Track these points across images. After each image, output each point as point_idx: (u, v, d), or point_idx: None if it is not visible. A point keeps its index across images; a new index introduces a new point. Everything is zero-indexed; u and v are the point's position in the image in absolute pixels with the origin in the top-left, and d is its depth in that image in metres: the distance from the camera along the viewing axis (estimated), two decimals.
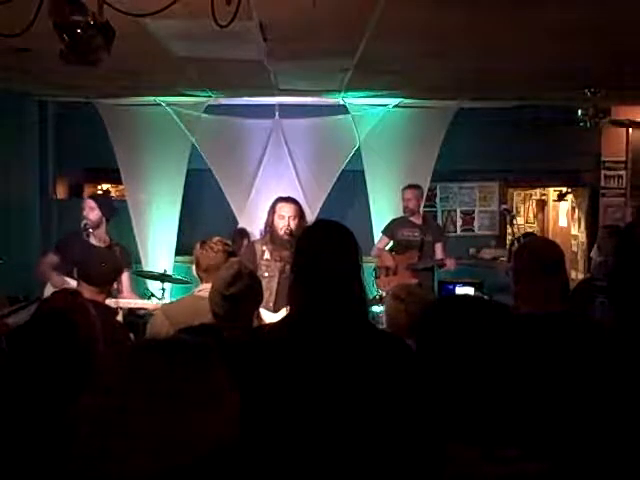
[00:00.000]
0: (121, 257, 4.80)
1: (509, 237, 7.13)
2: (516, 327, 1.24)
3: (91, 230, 4.85)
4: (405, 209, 6.00)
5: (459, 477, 1.16)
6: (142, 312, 5.77)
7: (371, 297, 5.42)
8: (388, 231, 6.11)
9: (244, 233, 6.03)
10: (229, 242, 3.48)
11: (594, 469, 1.71)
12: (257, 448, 1.38)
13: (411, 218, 5.99)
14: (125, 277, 4.82)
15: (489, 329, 1.18)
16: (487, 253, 5.93)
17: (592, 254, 6.96)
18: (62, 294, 2.49)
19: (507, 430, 1.17)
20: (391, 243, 6.11)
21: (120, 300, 4.54)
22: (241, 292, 2.68)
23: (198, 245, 3.29)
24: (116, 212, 5.29)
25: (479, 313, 1.20)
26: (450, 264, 5.77)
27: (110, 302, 3.69)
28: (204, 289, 3.22)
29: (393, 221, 6.14)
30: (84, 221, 4.87)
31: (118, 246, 4.98)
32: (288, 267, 3.98)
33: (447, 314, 1.22)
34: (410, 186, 6.07)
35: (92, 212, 4.91)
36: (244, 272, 2.77)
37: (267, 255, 4.30)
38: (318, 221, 2.18)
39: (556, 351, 2.09)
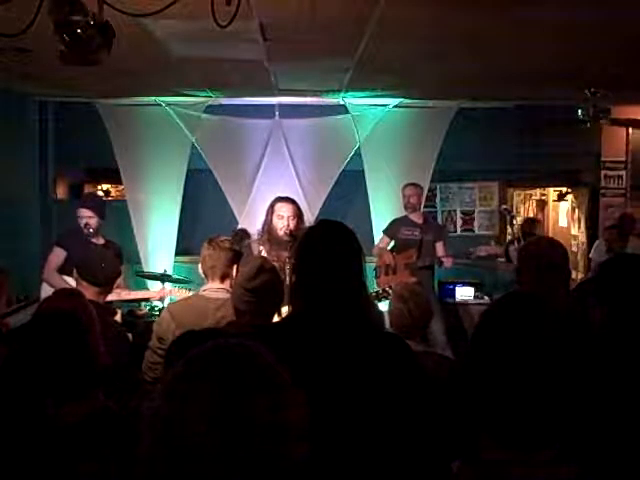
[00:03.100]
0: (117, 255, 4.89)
1: (509, 237, 7.13)
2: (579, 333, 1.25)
3: (94, 233, 4.95)
4: (407, 205, 5.98)
5: (489, 478, 1.16)
6: (141, 312, 5.80)
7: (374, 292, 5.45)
8: (389, 231, 6.11)
9: (245, 234, 6.03)
10: (232, 237, 3.50)
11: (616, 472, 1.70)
12: None
13: (412, 217, 5.98)
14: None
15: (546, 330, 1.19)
16: (482, 250, 5.88)
17: (591, 255, 6.96)
18: (63, 294, 2.49)
19: (541, 433, 1.17)
20: (392, 243, 6.10)
21: (122, 292, 4.63)
22: (263, 285, 2.70)
23: (205, 243, 3.30)
24: (106, 207, 5.37)
25: (536, 314, 1.21)
26: (447, 262, 5.77)
27: (113, 296, 3.74)
28: (209, 289, 3.22)
29: (394, 221, 6.13)
30: (85, 229, 4.93)
31: (113, 245, 5.05)
32: (286, 267, 4.01)
33: (507, 314, 1.23)
34: (410, 184, 6.07)
35: (91, 220, 5.00)
36: (266, 267, 2.79)
37: (263, 255, 4.29)
38: (320, 221, 2.17)
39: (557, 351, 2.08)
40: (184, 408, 0.98)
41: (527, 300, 1.27)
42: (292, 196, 4.76)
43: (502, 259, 6.49)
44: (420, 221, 5.97)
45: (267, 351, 1.10)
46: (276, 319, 2.91)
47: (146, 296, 5.19)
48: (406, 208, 6.01)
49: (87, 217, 5.00)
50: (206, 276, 3.28)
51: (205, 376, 1.01)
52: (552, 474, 1.14)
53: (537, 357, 1.17)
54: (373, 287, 5.74)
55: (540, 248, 2.81)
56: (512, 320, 1.22)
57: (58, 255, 4.98)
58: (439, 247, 5.92)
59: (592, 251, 6.96)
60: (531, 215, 9.52)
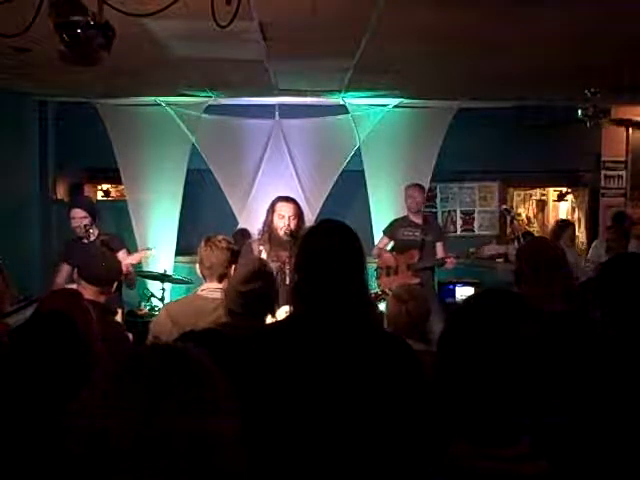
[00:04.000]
0: (116, 243, 4.94)
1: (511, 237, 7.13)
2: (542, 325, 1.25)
3: (92, 232, 4.95)
4: (411, 206, 5.94)
5: (455, 472, 1.17)
6: (141, 312, 5.81)
7: (374, 293, 5.44)
8: (389, 231, 6.10)
9: (245, 233, 6.03)
10: (232, 237, 3.49)
11: (593, 469, 1.71)
12: (259, 446, 1.38)
13: (412, 218, 5.96)
14: (123, 255, 4.93)
15: (516, 326, 1.19)
16: (488, 249, 5.89)
17: (589, 256, 6.94)
18: (60, 294, 2.49)
19: (509, 428, 1.18)
20: (391, 243, 6.09)
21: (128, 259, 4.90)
22: (257, 289, 2.70)
23: (202, 243, 3.29)
24: (97, 208, 5.41)
25: (508, 311, 1.21)
26: (450, 262, 5.76)
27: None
28: (207, 288, 3.22)
29: (394, 222, 6.12)
30: (80, 229, 4.94)
31: (109, 235, 5.07)
32: (287, 267, 4.01)
33: (477, 311, 1.23)
34: (415, 185, 6.02)
35: (85, 219, 5.03)
36: (262, 270, 2.78)
37: (264, 255, 4.28)
38: (322, 221, 2.17)
39: (556, 350, 2.09)
40: (108, 410, 0.97)
41: (496, 297, 1.27)
42: (292, 196, 4.76)
43: (500, 259, 6.49)
44: (420, 222, 5.96)
45: (206, 357, 1.08)
46: (269, 319, 2.91)
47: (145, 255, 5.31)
48: (410, 209, 5.97)
49: (80, 218, 5.03)
50: (204, 276, 3.28)
51: (133, 380, 0.99)
52: (519, 469, 1.15)
53: (504, 353, 1.17)
54: (374, 288, 5.75)
55: (538, 248, 2.81)
56: (479, 316, 1.22)
57: (63, 271, 5.00)
58: (439, 248, 5.92)
59: (589, 252, 6.94)
60: (531, 216, 9.50)
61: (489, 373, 1.16)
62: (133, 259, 5.24)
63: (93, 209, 5.20)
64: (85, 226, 4.94)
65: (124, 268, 4.84)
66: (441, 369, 1.24)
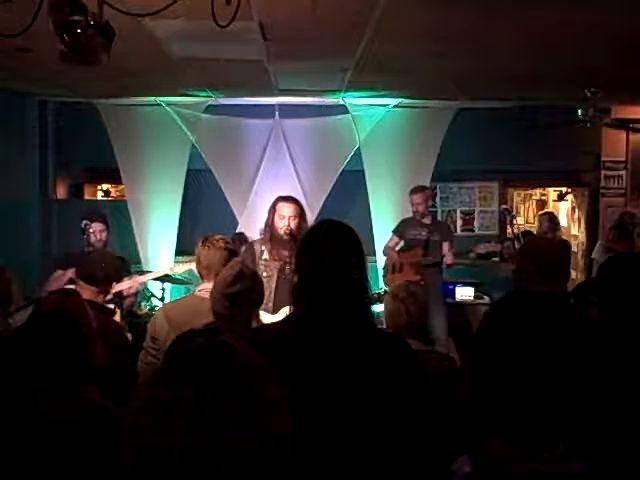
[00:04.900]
0: (122, 267, 4.90)
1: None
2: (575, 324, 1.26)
3: (108, 246, 5.02)
4: (415, 213, 5.96)
5: (493, 471, 1.17)
6: (141, 312, 5.80)
7: (376, 293, 5.45)
8: (398, 231, 6.11)
9: (243, 238, 6.03)
10: (230, 240, 3.47)
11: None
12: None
13: (420, 218, 5.97)
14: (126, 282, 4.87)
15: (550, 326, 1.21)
16: (482, 248, 5.95)
17: (594, 255, 6.95)
18: (59, 294, 2.48)
19: (547, 430, 1.19)
20: (402, 243, 6.11)
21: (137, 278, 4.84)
22: (242, 292, 2.68)
23: (200, 242, 3.28)
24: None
25: (541, 310, 1.23)
26: (448, 259, 5.78)
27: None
28: (204, 289, 3.20)
29: (403, 221, 6.13)
30: (93, 241, 4.94)
31: (117, 258, 5.07)
32: (287, 267, 4.01)
33: (514, 310, 1.25)
34: (418, 190, 5.97)
35: (103, 233, 5.07)
36: (246, 272, 2.77)
37: (266, 255, 4.28)
38: (322, 221, 2.16)
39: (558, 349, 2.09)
40: (166, 419, 0.96)
41: (531, 299, 1.28)
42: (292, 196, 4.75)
43: (496, 258, 6.50)
44: (428, 222, 5.97)
45: (250, 349, 1.08)
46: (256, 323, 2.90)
47: (154, 276, 5.26)
48: (415, 216, 5.96)
49: (99, 231, 5.05)
50: (201, 276, 3.26)
51: (185, 383, 0.99)
52: (557, 470, 1.16)
53: (542, 355, 1.19)
54: (379, 286, 5.77)
55: (539, 247, 2.82)
56: (517, 318, 1.23)
57: (59, 277, 4.98)
58: (445, 247, 5.93)
59: (594, 251, 6.95)
60: (531, 216, 9.51)
61: (525, 375, 1.17)
62: (125, 285, 4.97)
63: (107, 222, 5.22)
64: (99, 239, 4.98)
65: (124, 291, 4.78)
66: (480, 369, 1.25)
